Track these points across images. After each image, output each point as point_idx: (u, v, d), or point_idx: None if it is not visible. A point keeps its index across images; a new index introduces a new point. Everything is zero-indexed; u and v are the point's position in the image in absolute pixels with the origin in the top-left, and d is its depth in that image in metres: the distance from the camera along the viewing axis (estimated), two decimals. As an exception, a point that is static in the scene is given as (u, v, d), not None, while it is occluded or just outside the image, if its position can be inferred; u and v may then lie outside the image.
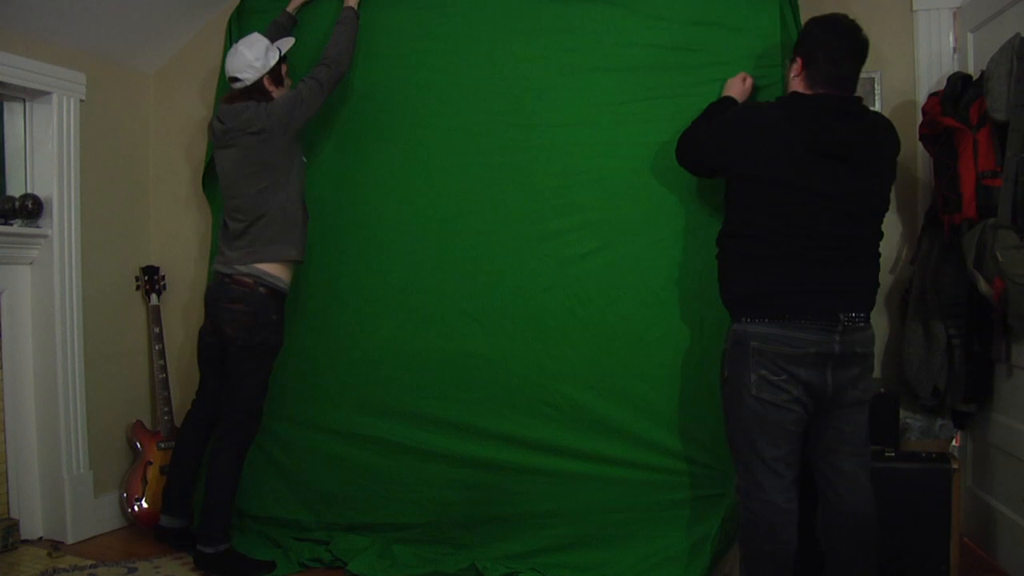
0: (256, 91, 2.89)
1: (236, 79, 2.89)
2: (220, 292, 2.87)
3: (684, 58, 2.81)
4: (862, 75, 3.04)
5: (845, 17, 2.33)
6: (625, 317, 2.85)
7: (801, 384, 2.21)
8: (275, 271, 2.86)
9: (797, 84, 2.34)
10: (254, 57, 2.86)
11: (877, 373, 3.11)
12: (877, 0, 3.12)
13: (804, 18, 2.66)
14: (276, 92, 2.92)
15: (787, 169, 2.23)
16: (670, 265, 2.81)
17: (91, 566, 2.95)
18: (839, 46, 2.29)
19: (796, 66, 2.35)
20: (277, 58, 2.92)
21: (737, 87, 2.63)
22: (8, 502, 3.15)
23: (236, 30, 3.32)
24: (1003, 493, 2.80)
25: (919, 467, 2.52)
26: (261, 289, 2.83)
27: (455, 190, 3.03)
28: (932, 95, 2.88)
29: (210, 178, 3.37)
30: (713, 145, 2.43)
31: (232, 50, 2.91)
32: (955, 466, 2.51)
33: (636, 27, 2.86)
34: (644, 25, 2.85)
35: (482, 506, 2.96)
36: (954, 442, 3.05)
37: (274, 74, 2.92)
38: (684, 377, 2.79)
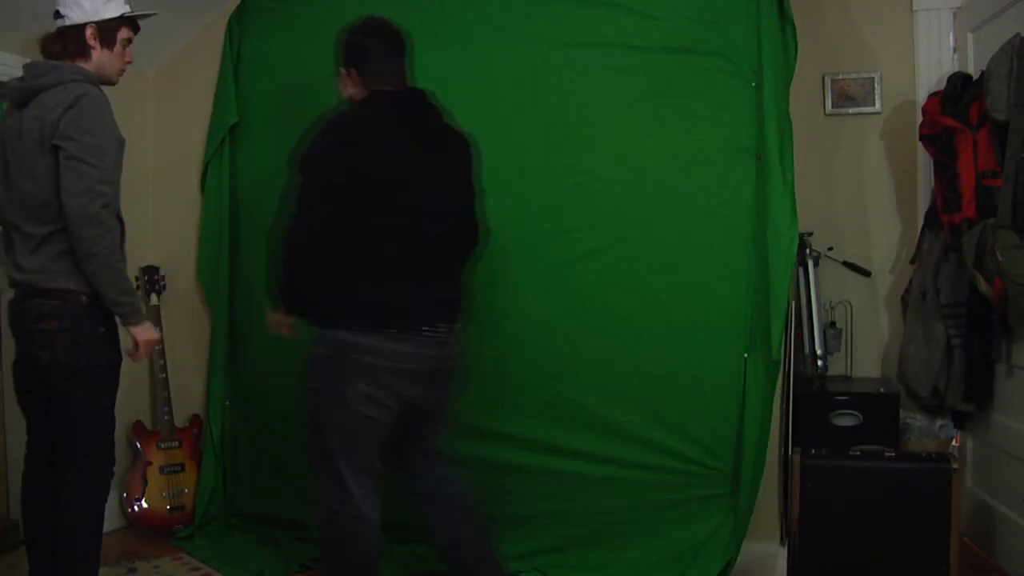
0: (71, 40, 2.22)
1: (59, 14, 2.23)
2: (24, 310, 2.22)
3: (684, 58, 2.81)
4: (862, 74, 3.10)
5: (375, 17, 2.30)
6: (625, 317, 2.84)
7: (400, 398, 2.17)
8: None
9: (359, 94, 2.25)
10: None
11: (877, 373, 3.11)
12: (877, 0, 3.12)
13: (798, 15, 2.67)
14: (98, 54, 2.25)
15: (384, 165, 2.13)
16: (670, 265, 2.81)
17: (91, 566, 2.95)
18: (381, 44, 2.26)
19: (350, 79, 2.25)
20: (118, 13, 2.26)
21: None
22: (8, 502, 3.15)
23: (236, 30, 3.33)
24: (1003, 493, 2.80)
25: (919, 467, 2.52)
26: (82, 298, 2.21)
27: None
28: (932, 95, 2.89)
29: (209, 177, 3.39)
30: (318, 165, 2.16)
31: None
32: (955, 466, 2.50)
33: (637, 27, 2.86)
34: (645, 25, 2.85)
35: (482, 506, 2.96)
36: (954, 442, 3.06)
37: (105, 29, 2.25)
38: (684, 377, 2.78)
